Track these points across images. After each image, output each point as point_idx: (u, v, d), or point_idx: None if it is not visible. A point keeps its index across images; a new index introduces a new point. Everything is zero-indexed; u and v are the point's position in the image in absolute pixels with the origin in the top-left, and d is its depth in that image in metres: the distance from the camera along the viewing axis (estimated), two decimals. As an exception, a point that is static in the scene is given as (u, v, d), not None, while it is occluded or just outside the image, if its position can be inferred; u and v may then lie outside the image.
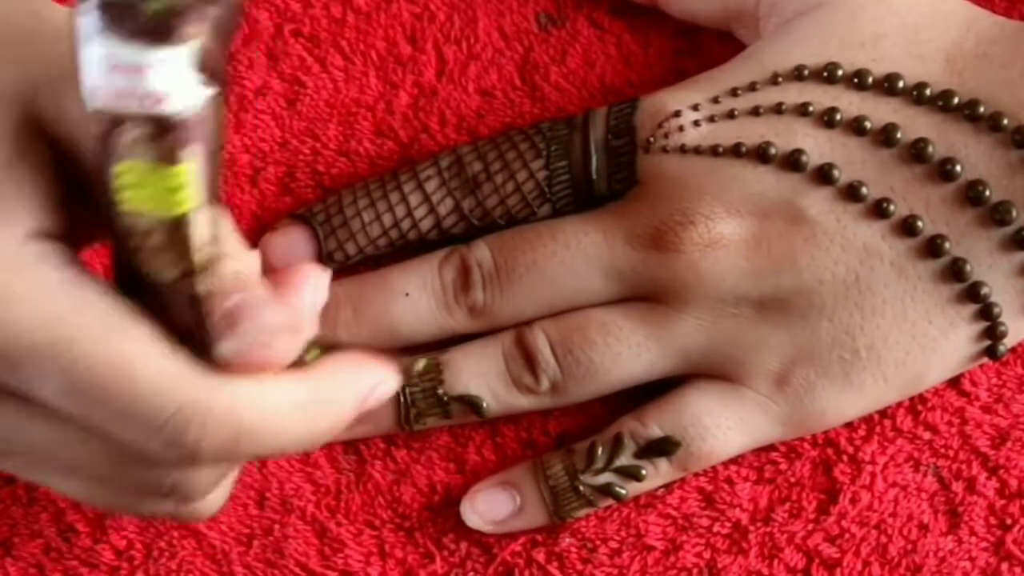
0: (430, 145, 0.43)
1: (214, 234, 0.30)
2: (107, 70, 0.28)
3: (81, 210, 0.32)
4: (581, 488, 0.40)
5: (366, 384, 0.34)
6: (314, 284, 0.34)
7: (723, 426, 0.40)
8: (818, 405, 0.40)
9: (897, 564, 0.41)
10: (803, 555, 0.41)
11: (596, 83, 0.43)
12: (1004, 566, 0.41)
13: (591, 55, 0.44)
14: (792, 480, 0.41)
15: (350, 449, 0.42)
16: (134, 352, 0.30)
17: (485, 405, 0.40)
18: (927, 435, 0.41)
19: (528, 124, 0.43)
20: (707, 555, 0.41)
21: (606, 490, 0.40)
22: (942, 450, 0.41)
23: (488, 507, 0.41)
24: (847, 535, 0.41)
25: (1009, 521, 0.41)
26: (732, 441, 0.40)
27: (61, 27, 0.31)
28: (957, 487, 0.41)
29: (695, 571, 0.41)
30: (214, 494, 0.35)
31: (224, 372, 0.31)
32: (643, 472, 0.40)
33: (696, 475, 0.41)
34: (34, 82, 0.30)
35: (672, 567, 0.41)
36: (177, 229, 0.29)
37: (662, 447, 0.40)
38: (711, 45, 0.43)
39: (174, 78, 0.28)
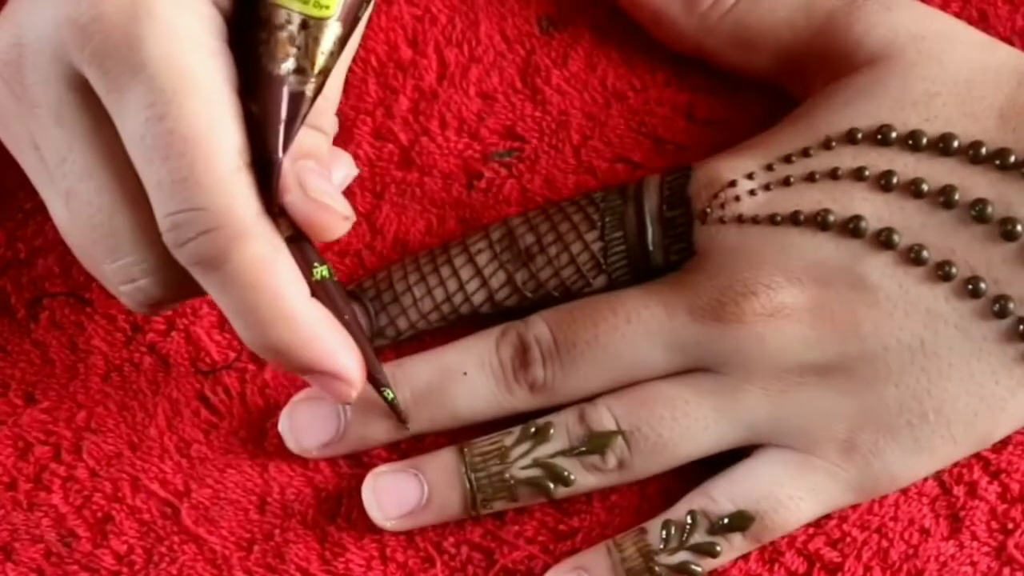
0: (430, 148, 0.43)
1: (335, 51, 0.35)
2: None
3: None
4: (657, 568, 0.39)
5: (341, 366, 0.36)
6: (346, 163, 0.40)
7: (795, 496, 0.39)
8: (889, 470, 0.39)
9: (898, 569, 0.41)
10: (804, 559, 0.41)
11: (598, 86, 0.43)
12: (1006, 571, 0.40)
13: (593, 58, 0.43)
14: (793, 484, 0.41)
15: (351, 454, 0.42)
16: (218, 139, 0.33)
17: (553, 487, 0.40)
18: (929, 439, 0.41)
19: (534, 132, 0.42)
20: (708, 559, 0.41)
21: (682, 568, 0.39)
22: (944, 454, 0.41)
23: None
24: (848, 539, 0.41)
25: (1011, 525, 0.41)
26: (805, 511, 0.40)
27: None
28: (958, 491, 0.41)
29: (696, 575, 0.41)
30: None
31: (267, 214, 0.35)
32: (718, 548, 0.39)
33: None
34: None
35: (673, 571, 0.41)
36: (310, 28, 0.34)
37: (736, 522, 0.39)
38: (713, 48, 0.43)
39: None
